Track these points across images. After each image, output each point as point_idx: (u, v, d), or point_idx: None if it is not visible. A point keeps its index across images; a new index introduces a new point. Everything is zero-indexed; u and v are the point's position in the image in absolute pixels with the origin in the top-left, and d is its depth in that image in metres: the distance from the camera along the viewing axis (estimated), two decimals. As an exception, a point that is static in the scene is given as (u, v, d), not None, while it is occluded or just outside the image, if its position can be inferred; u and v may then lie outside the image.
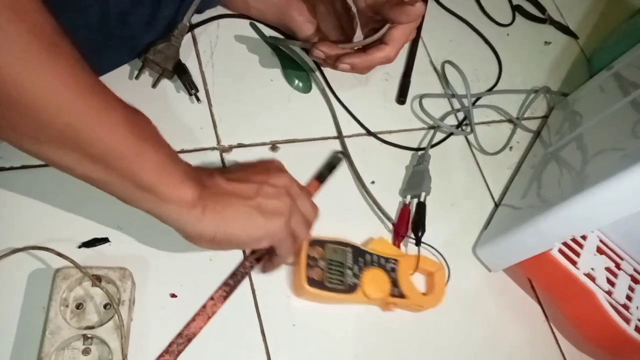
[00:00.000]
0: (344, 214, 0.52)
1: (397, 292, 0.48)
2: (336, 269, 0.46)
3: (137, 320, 0.41)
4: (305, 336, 0.45)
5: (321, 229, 0.48)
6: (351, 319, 0.48)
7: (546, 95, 0.72)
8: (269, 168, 0.43)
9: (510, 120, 0.68)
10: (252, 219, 0.38)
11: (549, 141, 0.64)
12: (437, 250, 0.53)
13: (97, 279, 0.40)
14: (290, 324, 0.45)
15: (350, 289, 0.46)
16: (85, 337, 0.38)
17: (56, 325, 0.37)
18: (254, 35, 0.59)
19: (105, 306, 0.40)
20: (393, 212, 0.55)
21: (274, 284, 0.47)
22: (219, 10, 0.58)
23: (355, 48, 0.52)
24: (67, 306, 0.39)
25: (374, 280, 0.47)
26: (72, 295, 0.40)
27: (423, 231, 0.52)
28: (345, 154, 0.55)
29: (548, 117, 0.70)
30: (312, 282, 0.44)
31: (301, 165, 0.53)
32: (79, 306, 0.40)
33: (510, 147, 0.66)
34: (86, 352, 0.38)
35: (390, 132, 0.60)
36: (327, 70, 0.60)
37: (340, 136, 0.57)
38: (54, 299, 0.38)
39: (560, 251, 0.50)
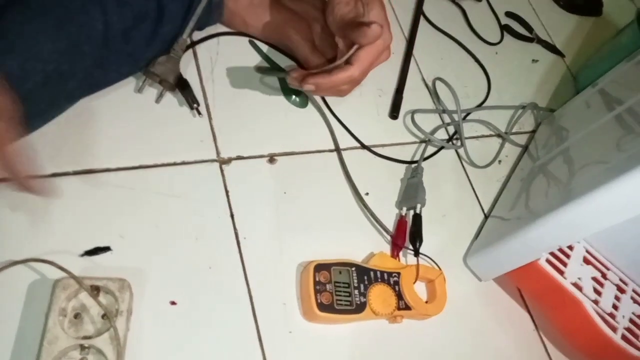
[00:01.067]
0: (342, 227, 0.54)
1: (402, 304, 0.49)
2: (343, 291, 0.47)
3: (135, 330, 0.42)
4: (302, 343, 0.46)
5: (322, 246, 0.50)
6: (346, 327, 0.49)
7: (534, 111, 0.74)
8: None
9: (499, 135, 0.70)
10: None
11: (536, 155, 0.66)
12: (432, 260, 0.54)
13: (95, 290, 0.40)
14: (287, 331, 0.46)
15: (359, 308, 0.47)
16: (82, 347, 0.39)
17: (54, 335, 0.38)
18: (253, 52, 0.61)
19: (103, 316, 0.40)
20: (389, 223, 0.56)
21: (271, 291, 0.48)
22: (219, 28, 0.60)
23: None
24: (65, 316, 0.40)
25: (380, 296, 0.49)
26: (70, 305, 0.40)
27: (421, 242, 0.54)
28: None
29: (535, 132, 0.72)
30: (322, 306, 0.46)
31: (299, 175, 0.55)
32: (77, 316, 0.40)
33: (499, 161, 0.68)
34: None
35: (383, 145, 0.62)
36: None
37: (337, 149, 0.58)
38: (53, 309, 0.39)
39: (548, 261, 0.51)
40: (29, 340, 0.39)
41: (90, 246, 0.44)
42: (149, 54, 0.51)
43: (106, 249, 0.44)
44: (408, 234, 0.55)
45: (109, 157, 0.48)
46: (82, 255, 0.43)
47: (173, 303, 0.44)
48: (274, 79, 0.60)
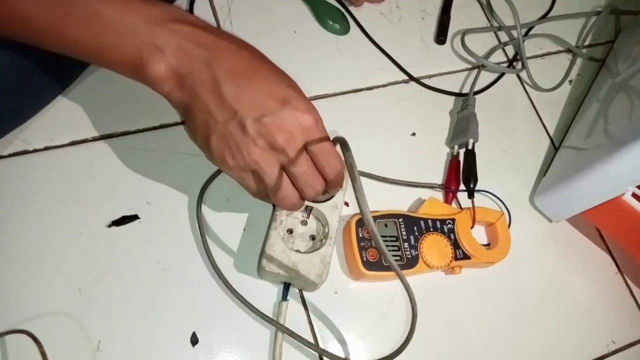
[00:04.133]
0: (386, 173, 0.48)
1: (460, 253, 0.44)
2: (391, 245, 0.43)
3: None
4: (350, 304, 0.43)
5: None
6: (398, 283, 0.44)
7: (612, 17, 0.62)
8: (289, 99, 0.33)
9: (569, 50, 0.60)
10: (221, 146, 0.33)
11: (616, 70, 0.55)
12: (494, 195, 0.48)
13: None
14: (332, 292, 0.43)
15: (410, 262, 0.43)
16: (306, 209, 0.43)
17: None
18: (273, -16, 0.54)
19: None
20: (441, 165, 0.50)
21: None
22: (232, -40, 0.53)
23: None
24: None
25: (433, 247, 0.44)
26: None
27: (475, 181, 0.48)
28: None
29: (614, 41, 0.61)
30: (368, 264, 0.41)
31: (334, 120, 0.49)
32: None
33: (570, 81, 0.58)
34: (304, 223, 0.43)
35: (430, 76, 0.54)
36: (358, 13, 0.54)
37: (375, 86, 0.52)
38: None
39: (635, 196, 0.43)
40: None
41: (117, 215, 0.41)
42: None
43: (134, 217, 0.42)
44: (461, 174, 0.48)
45: (127, 119, 0.45)
46: (110, 226, 0.41)
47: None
48: (304, 7, 0.53)
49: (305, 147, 0.33)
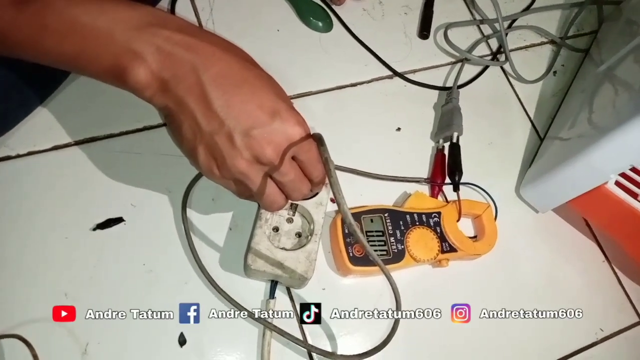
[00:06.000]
0: (370, 168, 0.48)
1: (447, 246, 0.44)
2: (377, 240, 0.43)
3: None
4: (338, 300, 0.43)
5: (349, 193, 0.45)
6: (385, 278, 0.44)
7: (594, 7, 0.63)
8: (279, 111, 0.32)
9: (552, 41, 0.60)
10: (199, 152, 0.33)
11: (600, 59, 0.56)
12: (480, 187, 0.49)
13: None
14: (320, 288, 0.43)
15: (397, 256, 0.43)
16: (292, 206, 0.43)
17: None
18: (254, -17, 0.54)
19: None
20: (426, 159, 0.50)
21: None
22: (213, -40, 0.53)
23: None
24: None
25: (419, 241, 0.44)
26: None
27: (460, 174, 0.48)
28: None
29: (598, 32, 0.61)
30: (355, 260, 0.41)
31: (317, 117, 0.49)
32: None
33: (554, 72, 0.59)
34: (289, 220, 0.43)
35: (414, 71, 0.54)
36: (341, 10, 0.55)
37: (359, 82, 0.52)
38: None
39: (618, 184, 0.44)
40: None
41: (101, 218, 0.41)
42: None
43: (119, 220, 0.42)
44: (446, 167, 0.48)
45: (110, 123, 0.45)
46: (94, 229, 0.41)
47: (195, 269, 0.41)
48: (287, 5, 0.53)
49: (292, 156, 0.33)
